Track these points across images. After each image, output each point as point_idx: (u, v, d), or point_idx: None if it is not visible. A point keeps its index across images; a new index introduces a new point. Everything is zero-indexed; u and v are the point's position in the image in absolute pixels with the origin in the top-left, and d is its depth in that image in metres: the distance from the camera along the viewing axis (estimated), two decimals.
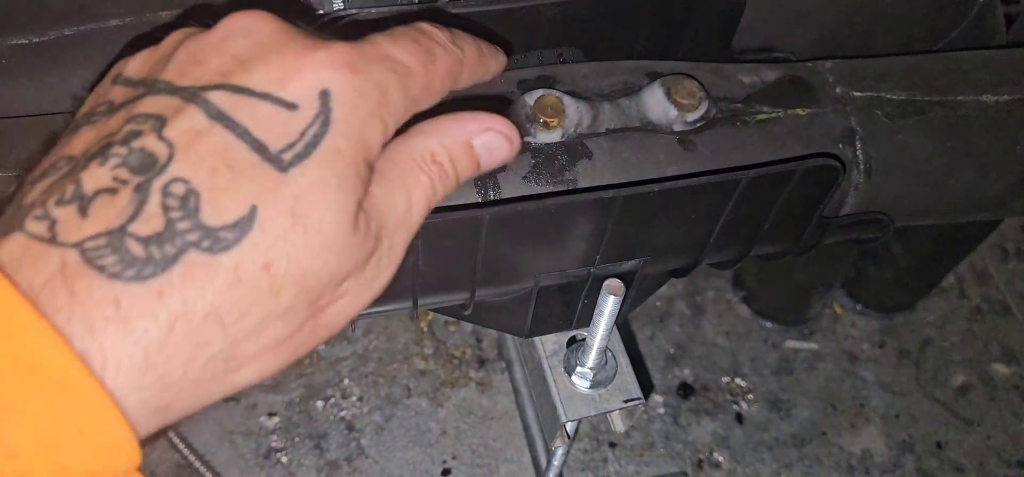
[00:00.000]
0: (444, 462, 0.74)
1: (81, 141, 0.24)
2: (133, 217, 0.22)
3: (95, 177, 0.23)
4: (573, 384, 0.44)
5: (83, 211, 0.22)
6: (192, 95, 0.24)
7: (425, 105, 0.27)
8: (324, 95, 0.24)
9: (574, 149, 0.39)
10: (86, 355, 0.21)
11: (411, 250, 0.36)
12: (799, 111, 0.43)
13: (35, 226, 0.22)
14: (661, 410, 0.78)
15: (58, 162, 0.24)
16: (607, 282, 0.38)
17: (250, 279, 0.23)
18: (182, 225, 0.22)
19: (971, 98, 0.45)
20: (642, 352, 0.82)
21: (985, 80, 0.46)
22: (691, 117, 0.40)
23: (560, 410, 0.43)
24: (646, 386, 0.71)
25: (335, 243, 0.24)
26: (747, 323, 0.85)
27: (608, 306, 0.38)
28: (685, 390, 0.80)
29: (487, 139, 0.28)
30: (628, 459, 0.76)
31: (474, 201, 0.37)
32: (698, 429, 0.78)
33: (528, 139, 0.39)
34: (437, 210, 0.35)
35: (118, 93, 0.26)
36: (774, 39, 0.50)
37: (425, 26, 0.28)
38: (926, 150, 0.44)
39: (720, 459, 0.76)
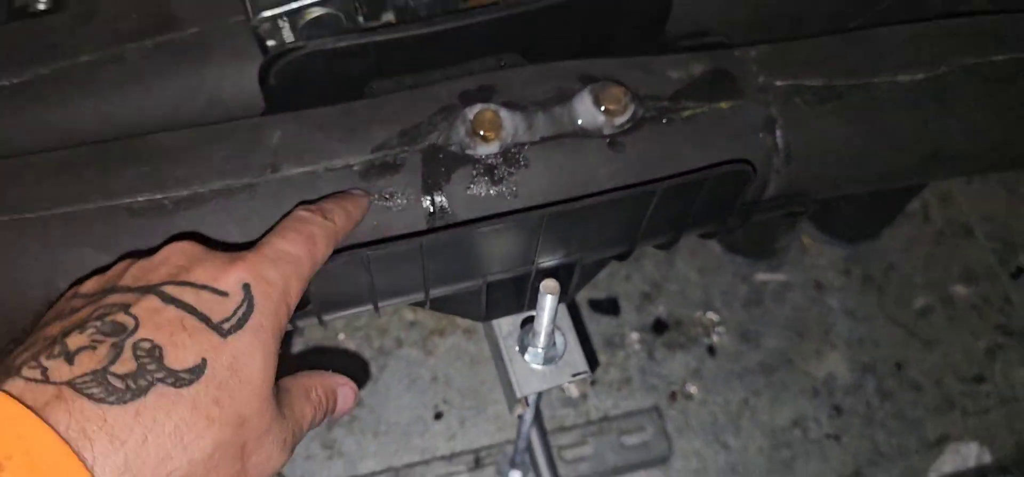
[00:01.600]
0: (436, 406, 0.80)
1: (55, 328, 0.31)
2: (112, 362, 0.29)
3: (76, 340, 0.30)
4: (526, 362, 0.49)
5: (70, 361, 0.29)
6: (148, 288, 0.32)
7: (315, 271, 0.36)
8: (246, 287, 0.33)
9: (512, 158, 0.43)
10: (81, 458, 0.27)
11: (365, 270, 0.41)
12: (722, 104, 0.46)
13: (30, 372, 0.28)
14: (637, 347, 0.84)
15: (36, 340, 0.31)
16: (543, 283, 0.42)
17: (204, 408, 0.30)
18: (151, 367, 0.29)
19: (886, 79, 0.48)
20: (618, 292, 0.87)
21: (900, 60, 0.48)
22: (619, 120, 0.44)
23: (516, 386, 0.48)
24: (592, 359, 0.76)
25: (262, 392, 0.32)
26: (719, 258, 0.90)
27: (547, 303, 0.43)
28: (659, 326, 0.85)
29: (345, 391, 0.39)
30: (607, 394, 0.81)
31: (419, 222, 0.42)
32: (672, 363, 0.83)
33: (469, 152, 0.43)
34: (379, 241, 0.40)
35: (78, 302, 0.33)
36: (709, 22, 0.53)
37: (303, 214, 0.37)
38: (843, 134, 0.47)
39: (692, 390, 0.82)
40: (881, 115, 0.47)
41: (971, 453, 0.81)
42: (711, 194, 0.43)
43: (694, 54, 0.49)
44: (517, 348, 0.49)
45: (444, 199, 0.42)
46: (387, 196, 0.42)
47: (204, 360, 0.30)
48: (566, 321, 0.49)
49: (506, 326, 0.50)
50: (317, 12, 0.42)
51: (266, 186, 0.41)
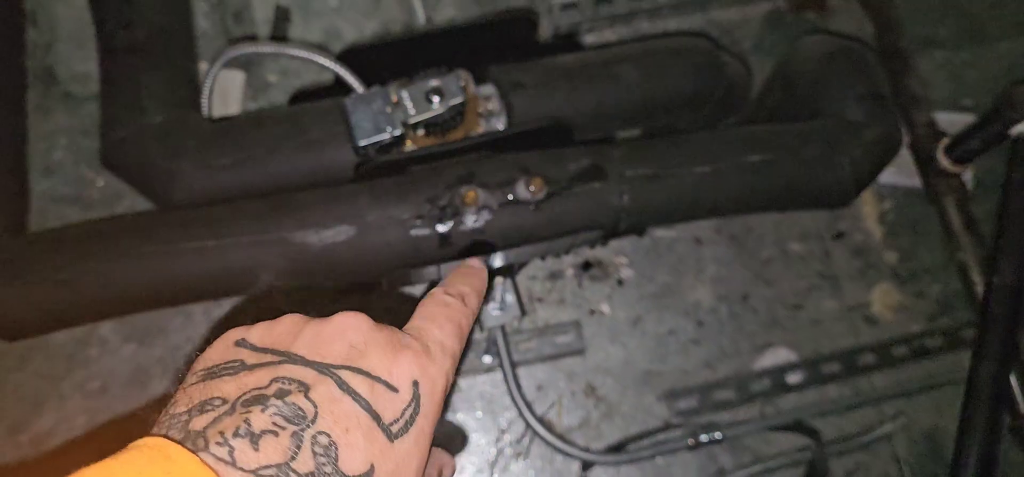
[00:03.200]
0: None
1: (229, 387, 0.32)
2: (293, 457, 0.30)
3: (259, 420, 0.30)
4: (488, 310, 0.91)
5: (255, 446, 0.29)
6: (326, 370, 0.33)
7: None
8: (415, 384, 0.34)
9: (483, 213, 0.84)
10: None
11: (414, 275, 0.82)
12: (596, 184, 0.86)
13: (218, 450, 0.29)
14: (570, 278, 1.26)
15: (213, 400, 0.32)
16: (497, 277, 0.84)
17: None
18: (327, 469, 0.30)
19: (687, 170, 0.88)
20: None
21: (698, 157, 0.88)
22: (539, 196, 0.84)
23: (482, 321, 0.91)
24: (523, 308, 1.13)
25: None
26: None
27: (498, 284, 0.85)
28: (587, 265, 1.27)
29: (451, 466, 0.43)
30: (547, 308, 1.24)
31: (434, 242, 0.83)
32: (593, 290, 1.26)
33: (461, 210, 0.84)
34: (420, 264, 0.81)
35: (248, 355, 0.34)
36: (602, 125, 0.92)
37: (449, 300, 0.40)
38: (662, 199, 0.87)
39: (605, 309, 1.25)
40: (682, 191, 0.88)
41: (782, 355, 1.25)
42: (583, 240, 0.84)
43: (585, 149, 0.89)
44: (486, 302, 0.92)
45: (449, 231, 0.84)
46: (420, 231, 0.83)
47: (372, 466, 0.31)
48: (511, 289, 0.92)
49: None
50: (387, 139, 0.82)
51: (362, 226, 0.82)
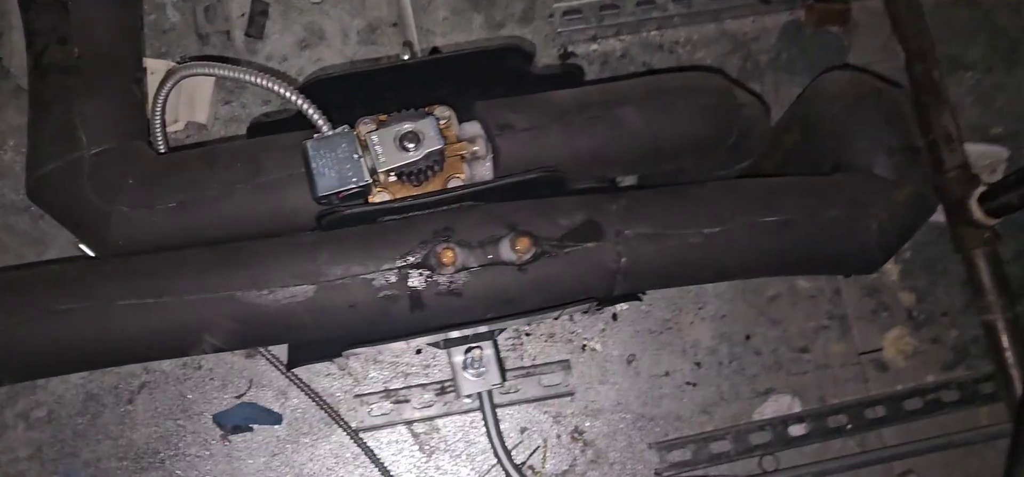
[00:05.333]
0: (416, 348, 1.14)
1: None
2: None
3: None
4: (466, 376, 0.82)
5: None
6: None
7: None
8: None
9: (460, 275, 0.74)
10: None
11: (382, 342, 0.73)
12: (590, 245, 0.76)
13: None
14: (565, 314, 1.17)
15: None
16: (476, 349, 0.75)
17: None
18: None
19: (695, 230, 0.78)
20: None
21: (707, 215, 0.78)
22: (525, 257, 0.74)
23: (459, 389, 0.82)
24: (504, 376, 1.01)
25: None
26: None
27: (478, 350, 0.76)
28: None
29: None
30: (536, 344, 1.15)
31: (405, 307, 0.74)
32: (586, 324, 1.16)
33: (436, 272, 0.74)
34: (391, 338, 0.72)
35: None
36: (600, 170, 0.82)
37: None
38: (661, 263, 0.78)
39: (596, 346, 1.16)
40: (687, 254, 0.78)
41: (785, 403, 1.16)
42: (573, 307, 0.75)
43: (580, 201, 0.78)
44: (462, 368, 0.82)
45: (421, 294, 0.74)
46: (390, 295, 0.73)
47: None
48: (491, 352, 0.83)
49: (455, 354, 0.83)
50: (353, 189, 0.72)
51: (323, 286, 0.72)
